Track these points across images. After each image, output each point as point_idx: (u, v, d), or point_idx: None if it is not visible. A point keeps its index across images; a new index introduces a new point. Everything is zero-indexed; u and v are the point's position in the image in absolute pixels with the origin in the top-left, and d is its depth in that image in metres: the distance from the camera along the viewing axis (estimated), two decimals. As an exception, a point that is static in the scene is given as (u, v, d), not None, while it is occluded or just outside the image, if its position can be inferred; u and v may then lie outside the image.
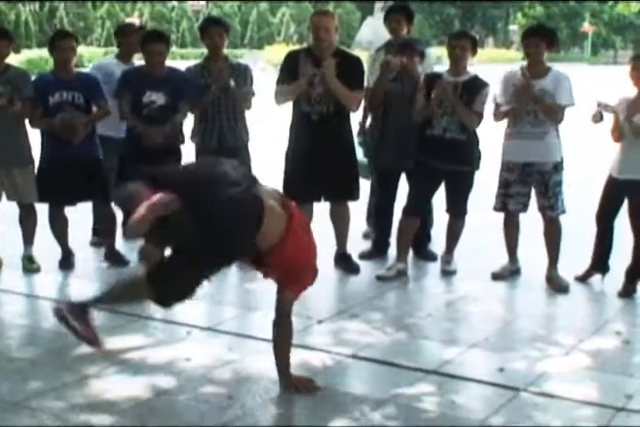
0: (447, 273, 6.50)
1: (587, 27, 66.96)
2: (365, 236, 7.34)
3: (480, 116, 6.25)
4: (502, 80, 6.27)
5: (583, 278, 6.33)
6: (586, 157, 9.39)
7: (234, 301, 5.98)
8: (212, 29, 6.59)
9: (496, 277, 6.37)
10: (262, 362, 4.69)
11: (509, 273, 6.43)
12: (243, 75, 6.67)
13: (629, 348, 5.07)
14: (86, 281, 6.24)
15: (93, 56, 32.85)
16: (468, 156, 6.31)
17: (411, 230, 6.50)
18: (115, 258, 6.74)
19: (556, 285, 6.22)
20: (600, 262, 6.29)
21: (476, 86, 6.23)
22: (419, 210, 6.52)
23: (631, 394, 4.35)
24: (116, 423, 4.00)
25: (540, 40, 6.07)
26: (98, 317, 5.45)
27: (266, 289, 6.10)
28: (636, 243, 6.06)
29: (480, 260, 6.62)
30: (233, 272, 6.50)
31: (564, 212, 6.27)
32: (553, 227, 6.32)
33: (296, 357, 4.76)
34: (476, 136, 6.34)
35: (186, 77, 6.56)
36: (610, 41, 70.05)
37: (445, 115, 6.20)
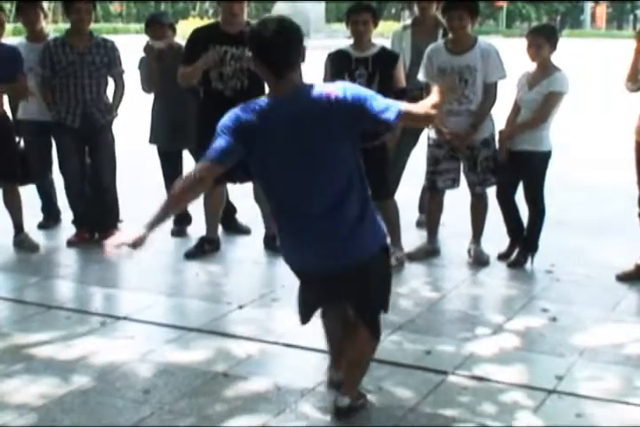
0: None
1: (501, 1, 67.43)
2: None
3: (404, 90, 6.08)
4: (426, 56, 6.10)
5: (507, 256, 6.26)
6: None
7: (151, 287, 5.72)
8: (79, 4, 6.30)
9: (411, 257, 6.24)
10: (181, 353, 4.53)
11: (425, 253, 6.31)
12: (111, 52, 6.46)
13: (557, 325, 4.99)
14: None
15: (2, 32, 31.82)
16: (380, 132, 6.10)
17: None
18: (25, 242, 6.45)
19: (476, 258, 6.17)
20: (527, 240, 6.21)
21: (387, 60, 6.03)
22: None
23: (562, 375, 4.26)
24: (28, 423, 3.78)
25: (464, 12, 5.89)
26: (3, 307, 5.24)
27: (185, 274, 5.99)
28: None
29: (404, 239, 6.46)
30: (149, 256, 6.28)
31: (493, 184, 6.17)
32: (479, 202, 6.24)
33: (216, 345, 4.61)
34: None
35: None
36: (525, 13, 70.70)
37: None
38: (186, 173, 3.53)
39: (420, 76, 6.14)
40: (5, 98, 6.41)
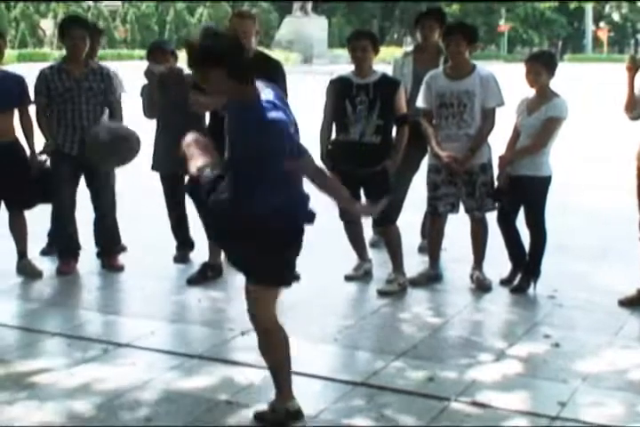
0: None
1: (503, 26, 67.84)
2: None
3: (406, 116, 6.10)
4: (424, 82, 6.15)
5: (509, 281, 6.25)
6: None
7: (153, 313, 5.71)
8: (74, 31, 6.31)
9: (413, 282, 6.24)
10: (183, 380, 4.51)
11: (427, 279, 6.31)
12: (107, 79, 6.46)
13: (559, 352, 4.98)
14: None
15: (7, 58, 32.03)
16: (382, 157, 6.13)
17: (355, 232, 6.41)
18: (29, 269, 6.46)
19: (478, 284, 6.17)
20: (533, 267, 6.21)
21: (388, 87, 6.07)
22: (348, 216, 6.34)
23: (564, 401, 4.25)
24: (28, 452, 3.78)
25: (460, 38, 5.94)
26: (6, 334, 5.24)
27: (187, 300, 5.98)
28: None
29: (406, 264, 6.44)
30: (151, 282, 6.29)
31: (494, 208, 6.18)
32: (479, 227, 6.25)
33: (218, 372, 4.60)
34: (390, 138, 6.19)
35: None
36: (527, 37, 71.01)
37: (361, 119, 6.03)
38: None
39: (419, 103, 6.18)
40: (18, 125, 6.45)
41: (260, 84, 3.75)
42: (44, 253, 6.98)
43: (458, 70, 6.05)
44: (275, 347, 4.03)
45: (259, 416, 4.05)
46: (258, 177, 3.66)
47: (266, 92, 3.74)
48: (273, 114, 3.62)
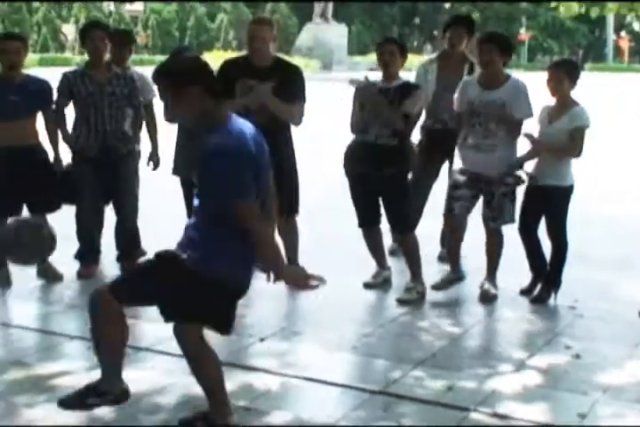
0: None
1: (523, 34, 67.74)
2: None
3: (410, 118, 6.08)
4: (459, 89, 6.15)
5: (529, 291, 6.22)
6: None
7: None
8: (94, 34, 6.36)
9: (435, 287, 6.22)
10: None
11: (449, 283, 6.27)
12: (130, 83, 6.48)
13: (580, 363, 4.95)
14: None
15: (29, 62, 32.24)
16: (398, 160, 6.12)
17: (374, 240, 6.38)
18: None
19: (481, 294, 6.14)
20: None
21: (406, 89, 6.07)
22: (371, 220, 6.34)
23: (584, 413, 4.23)
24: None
25: (494, 47, 5.93)
26: (26, 337, 5.26)
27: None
28: None
29: (426, 272, 6.43)
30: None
31: (512, 221, 6.15)
32: (493, 237, 6.21)
33: (237, 378, 4.60)
34: (407, 141, 6.18)
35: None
36: (547, 46, 70.85)
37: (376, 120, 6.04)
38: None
39: (456, 107, 6.18)
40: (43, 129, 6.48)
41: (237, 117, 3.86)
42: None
43: (491, 80, 6.03)
44: (208, 368, 4.01)
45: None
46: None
47: (240, 122, 3.82)
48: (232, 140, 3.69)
